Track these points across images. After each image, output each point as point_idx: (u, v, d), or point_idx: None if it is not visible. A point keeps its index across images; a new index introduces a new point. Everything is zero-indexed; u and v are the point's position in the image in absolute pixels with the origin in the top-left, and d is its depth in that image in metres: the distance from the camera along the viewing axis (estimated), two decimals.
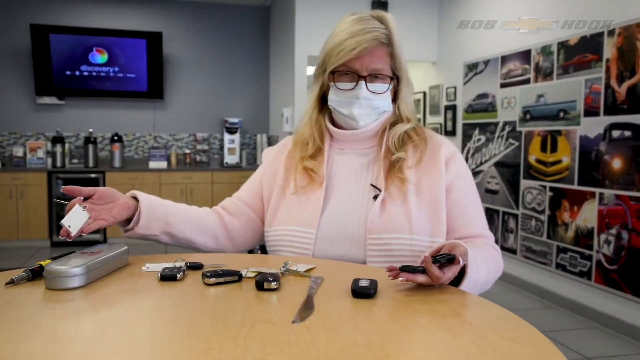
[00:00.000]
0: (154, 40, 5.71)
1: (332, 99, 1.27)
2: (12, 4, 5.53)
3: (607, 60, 3.19)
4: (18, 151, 5.47)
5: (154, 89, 5.81)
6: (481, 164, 4.48)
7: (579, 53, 3.42)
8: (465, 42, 4.72)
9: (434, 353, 0.70)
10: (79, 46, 5.56)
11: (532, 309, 3.60)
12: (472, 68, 4.58)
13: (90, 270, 0.96)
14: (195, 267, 1.07)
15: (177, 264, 1.06)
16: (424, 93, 5.47)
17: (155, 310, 0.86)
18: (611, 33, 3.17)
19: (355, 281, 0.93)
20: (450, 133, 4.93)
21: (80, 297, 0.91)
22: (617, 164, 3.13)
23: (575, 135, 3.45)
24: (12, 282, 0.95)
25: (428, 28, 5.14)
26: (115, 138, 5.64)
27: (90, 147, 5.55)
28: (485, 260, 1.10)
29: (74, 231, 1.05)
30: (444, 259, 0.95)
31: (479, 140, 4.52)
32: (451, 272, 0.95)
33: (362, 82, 1.22)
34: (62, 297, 0.90)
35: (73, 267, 0.93)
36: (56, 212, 5.23)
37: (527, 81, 3.90)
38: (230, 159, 5.96)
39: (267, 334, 0.73)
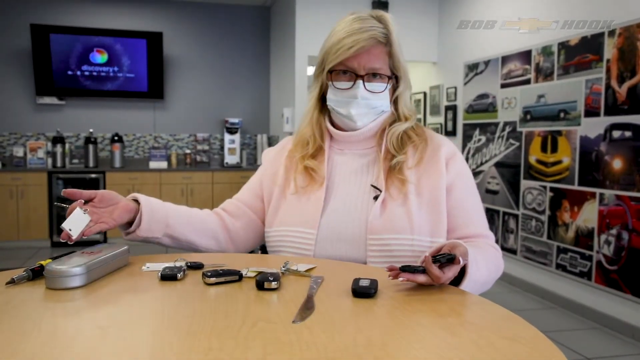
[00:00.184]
0: (154, 41, 5.71)
1: (331, 98, 1.26)
2: (12, 4, 5.53)
3: (608, 60, 3.19)
4: (18, 151, 5.47)
5: (154, 89, 5.81)
6: (481, 164, 4.48)
7: (580, 53, 3.42)
8: (465, 42, 4.72)
9: (434, 353, 0.69)
10: (79, 46, 5.56)
11: (533, 309, 3.60)
12: (473, 68, 4.58)
13: (90, 270, 0.96)
14: (195, 266, 1.07)
15: (178, 264, 1.06)
16: (425, 93, 5.47)
17: (156, 309, 0.86)
18: (612, 33, 3.17)
19: (356, 281, 0.93)
20: (451, 133, 4.93)
21: (81, 296, 0.91)
22: (617, 164, 3.13)
23: (575, 136, 3.45)
24: (12, 282, 0.95)
25: (428, 28, 5.14)
26: (116, 138, 5.64)
27: (91, 147, 5.55)
28: (485, 260, 1.10)
29: (75, 234, 1.05)
30: (444, 258, 0.95)
31: (479, 140, 4.52)
32: (451, 271, 0.95)
33: (360, 81, 1.22)
34: (62, 297, 0.90)
35: (73, 267, 0.93)
36: (56, 212, 5.23)
37: (527, 81, 3.90)
38: (230, 159, 5.96)
39: (267, 333, 0.73)
